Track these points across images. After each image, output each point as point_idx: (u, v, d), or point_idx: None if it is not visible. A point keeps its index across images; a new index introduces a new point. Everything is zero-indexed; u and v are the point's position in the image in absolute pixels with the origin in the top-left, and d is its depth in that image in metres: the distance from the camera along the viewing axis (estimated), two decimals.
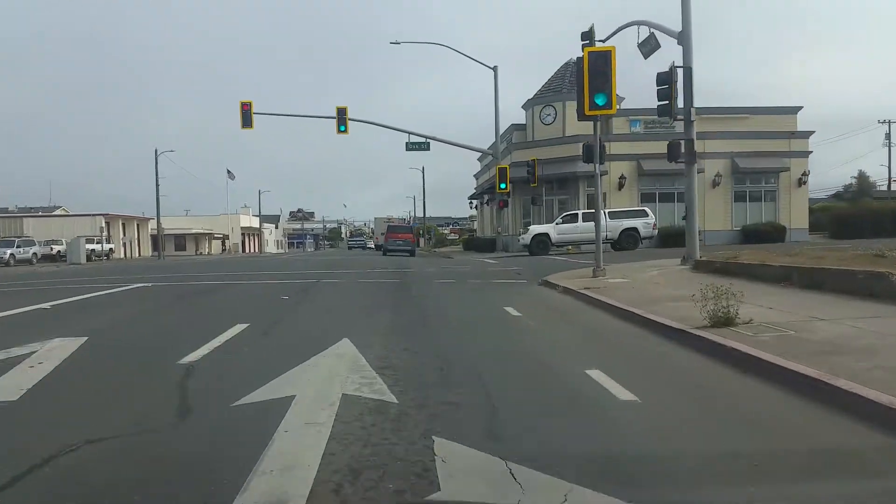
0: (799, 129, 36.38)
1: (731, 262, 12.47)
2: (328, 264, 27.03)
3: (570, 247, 31.77)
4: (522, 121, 40.95)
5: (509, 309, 9.62)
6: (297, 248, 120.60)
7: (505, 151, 37.95)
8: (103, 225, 58.60)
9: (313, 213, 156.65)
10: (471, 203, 57.31)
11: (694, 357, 5.98)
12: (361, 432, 3.74)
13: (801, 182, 36.25)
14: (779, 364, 4.94)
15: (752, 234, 33.86)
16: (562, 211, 35.78)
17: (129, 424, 4.03)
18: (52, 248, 46.79)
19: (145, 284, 16.37)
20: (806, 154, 36.41)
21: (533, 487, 2.91)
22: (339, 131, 33.56)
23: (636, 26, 16.12)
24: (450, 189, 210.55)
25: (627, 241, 29.34)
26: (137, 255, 64.78)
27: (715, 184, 35.24)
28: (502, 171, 34.25)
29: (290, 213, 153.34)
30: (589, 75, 13.20)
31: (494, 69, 34.89)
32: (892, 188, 54.14)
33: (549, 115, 37.88)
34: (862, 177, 62.31)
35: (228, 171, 78.14)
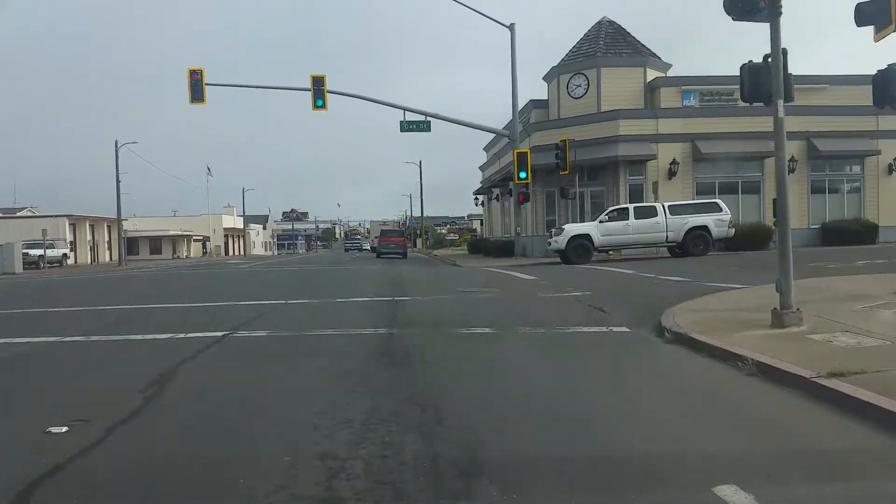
0: None
1: None
2: (292, 286, 18.41)
3: (610, 251, 24.73)
4: (543, 96, 33.73)
5: None
6: (288, 249, 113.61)
7: (522, 134, 30.76)
8: (67, 227, 51.83)
9: (307, 213, 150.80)
10: (476, 199, 50.06)
11: None
12: None
13: (893, 168, 29.25)
14: None
15: (835, 234, 27.50)
16: (595, 206, 28.71)
17: None
18: None
19: None
20: None
21: None
22: (316, 106, 26.45)
23: None
24: (447, 187, 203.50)
25: (695, 245, 22.12)
26: (108, 259, 57.88)
27: (790, 170, 28.12)
28: (522, 157, 27.10)
29: (283, 213, 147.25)
30: None
31: (511, 27, 27.77)
32: None
33: (578, 85, 30.56)
34: None
35: (208, 168, 71.30)
